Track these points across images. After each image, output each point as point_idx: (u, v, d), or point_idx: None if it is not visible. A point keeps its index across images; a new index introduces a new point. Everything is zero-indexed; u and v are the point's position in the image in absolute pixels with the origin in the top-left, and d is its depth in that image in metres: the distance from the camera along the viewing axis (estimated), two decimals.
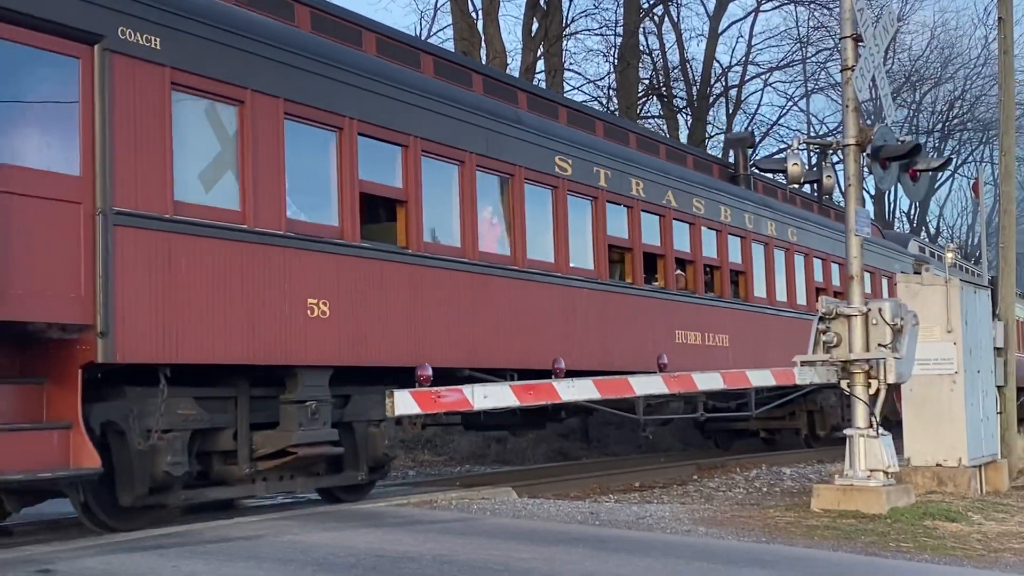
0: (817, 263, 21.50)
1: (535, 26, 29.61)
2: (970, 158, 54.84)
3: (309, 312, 10.45)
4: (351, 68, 11.21)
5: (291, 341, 10.22)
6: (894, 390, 11.59)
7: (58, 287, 8.48)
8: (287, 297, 10.22)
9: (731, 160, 21.67)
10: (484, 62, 23.38)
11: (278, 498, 12.61)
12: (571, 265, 14.26)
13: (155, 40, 9.22)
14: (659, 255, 16.40)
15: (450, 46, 25.61)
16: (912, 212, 56.26)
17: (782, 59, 41.81)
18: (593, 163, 14.85)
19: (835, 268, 21.84)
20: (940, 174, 49.37)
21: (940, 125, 52.17)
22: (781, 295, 19.90)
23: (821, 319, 10.99)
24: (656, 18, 36.79)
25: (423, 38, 27.19)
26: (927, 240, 45.39)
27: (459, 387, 9.06)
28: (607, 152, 15.35)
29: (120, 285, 8.78)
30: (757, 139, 42.14)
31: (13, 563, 6.92)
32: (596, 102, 34.92)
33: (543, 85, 30.27)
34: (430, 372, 9.21)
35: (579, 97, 36.04)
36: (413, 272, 11.71)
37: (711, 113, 39.71)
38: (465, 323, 12.29)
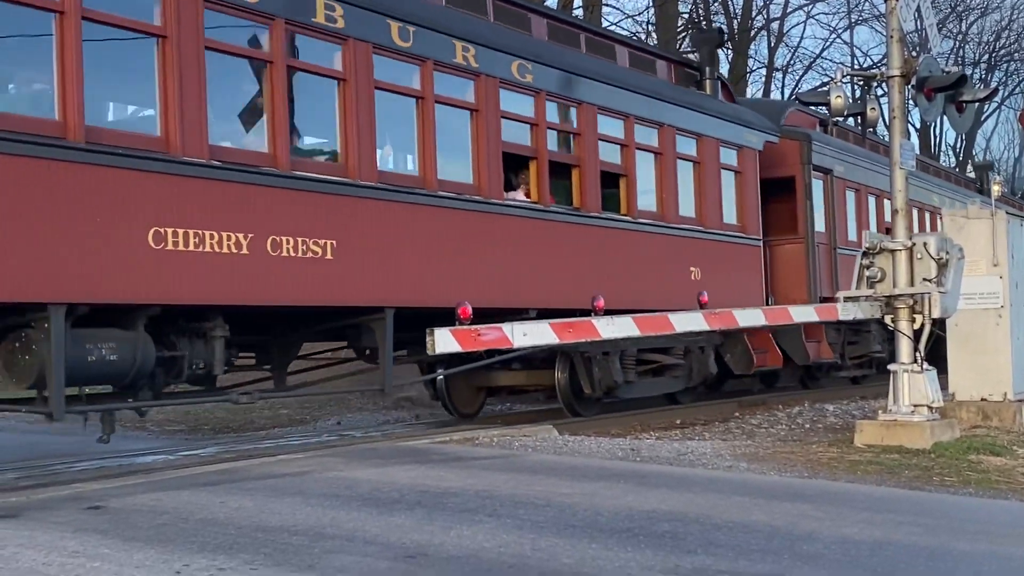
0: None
1: None
2: (1017, 89, 53.91)
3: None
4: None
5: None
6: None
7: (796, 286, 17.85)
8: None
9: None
10: None
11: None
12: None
13: (839, 167, 19.24)
14: None
15: None
16: (958, 144, 55.50)
17: None
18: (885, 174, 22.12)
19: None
20: (986, 105, 48.51)
21: (986, 56, 51.24)
22: None
23: (865, 254, 10.88)
24: None
25: None
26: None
27: (499, 325, 9.05)
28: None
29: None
30: (800, 72, 41.46)
31: (64, 500, 7.05)
32: (635, 38, 34.46)
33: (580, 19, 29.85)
34: (470, 310, 9.24)
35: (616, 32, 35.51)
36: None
37: (752, 47, 39.19)
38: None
